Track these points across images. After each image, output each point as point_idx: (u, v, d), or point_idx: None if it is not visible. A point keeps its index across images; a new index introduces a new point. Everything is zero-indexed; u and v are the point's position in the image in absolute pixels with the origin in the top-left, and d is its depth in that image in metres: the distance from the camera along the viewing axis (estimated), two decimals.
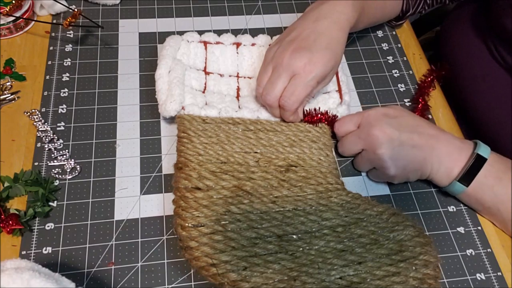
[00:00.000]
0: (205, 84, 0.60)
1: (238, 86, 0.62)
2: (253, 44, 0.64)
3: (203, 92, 0.59)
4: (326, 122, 0.58)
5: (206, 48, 0.63)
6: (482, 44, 0.63)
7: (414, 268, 0.46)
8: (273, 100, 0.54)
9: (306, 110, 0.57)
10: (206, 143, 0.52)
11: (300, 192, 0.51)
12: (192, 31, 0.64)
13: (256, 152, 0.53)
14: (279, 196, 0.50)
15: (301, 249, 0.46)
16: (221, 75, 0.62)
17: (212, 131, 0.54)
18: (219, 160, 0.51)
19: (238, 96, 0.61)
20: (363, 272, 0.45)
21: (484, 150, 0.52)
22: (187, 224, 0.45)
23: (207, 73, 0.61)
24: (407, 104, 0.65)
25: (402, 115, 0.55)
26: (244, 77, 0.63)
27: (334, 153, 0.58)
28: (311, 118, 0.57)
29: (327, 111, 0.58)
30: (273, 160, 0.53)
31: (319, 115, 0.57)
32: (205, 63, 0.62)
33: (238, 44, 0.64)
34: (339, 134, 0.57)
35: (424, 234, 0.49)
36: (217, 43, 0.63)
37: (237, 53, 0.63)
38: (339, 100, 0.60)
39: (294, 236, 0.46)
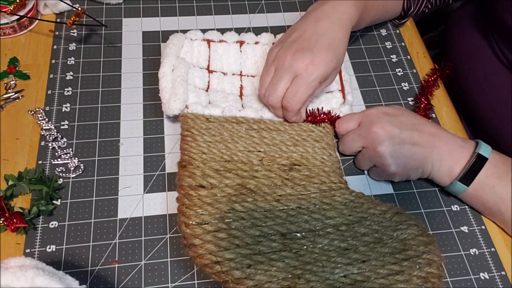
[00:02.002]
0: (209, 82, 0.60)
1: (241, 85, 0.62)
2: (256, 43, 0.64)
3: (207, 90, 0.59)
4: (329, 122, 0.58)
5: (209, 46, 0.63)
6: (485, 44, 0.63)
7: (417, 267, 0.46)
8: (276, 101, 0.54)
9: (309, 110, 0.57)
10: (210, 142, 0.52)
11: (304, 190, 0.51)
12: (196, 29, 0.64)
13: (259, 151, 0.53)
14: (283, 195, 0.50)
15: (305, 247, 0.46)
16: (224, 74, 0.62)
17: (216, 129, 0.54)
18: (222, 159, 0.51)
19: (241, 95, 0.61)
20: (367, 270, 0.45)
21: (485, 149, 0.52)
22: (191, 222, 0.45)
23: (210, 72, 0.61)
24: (411, 103, 0.65)
25: (402, 113, 0.55)
26: (247, 76, 0.62)
27: (337, 152, 0.58)
28: (314, 118, 0.57)
29: (330, 111, 0.58)
30: (277, 159, 0.53)
31: (322, 115, 0.57)
32: (209, 61, 0.62)
33: (241, 43, 0.64)
34: (340, 132, 0.57)
35: (428, 233, 0.49)
36: (221, 41, 0.63)
37: (241, 51, 0.63)
38: (342, 99, 0.60)
39: (298, 235, 0.46)
